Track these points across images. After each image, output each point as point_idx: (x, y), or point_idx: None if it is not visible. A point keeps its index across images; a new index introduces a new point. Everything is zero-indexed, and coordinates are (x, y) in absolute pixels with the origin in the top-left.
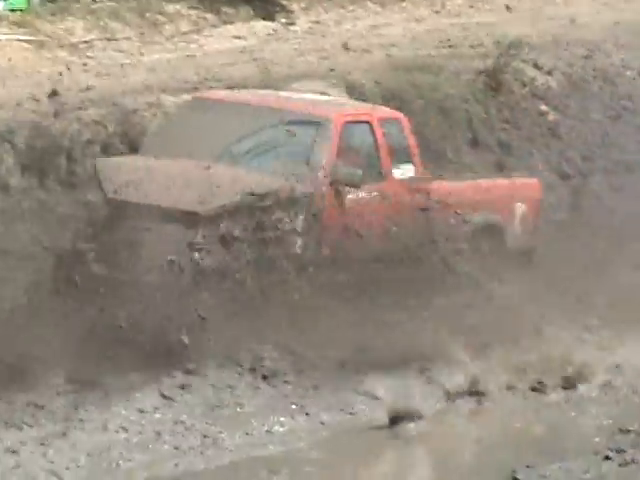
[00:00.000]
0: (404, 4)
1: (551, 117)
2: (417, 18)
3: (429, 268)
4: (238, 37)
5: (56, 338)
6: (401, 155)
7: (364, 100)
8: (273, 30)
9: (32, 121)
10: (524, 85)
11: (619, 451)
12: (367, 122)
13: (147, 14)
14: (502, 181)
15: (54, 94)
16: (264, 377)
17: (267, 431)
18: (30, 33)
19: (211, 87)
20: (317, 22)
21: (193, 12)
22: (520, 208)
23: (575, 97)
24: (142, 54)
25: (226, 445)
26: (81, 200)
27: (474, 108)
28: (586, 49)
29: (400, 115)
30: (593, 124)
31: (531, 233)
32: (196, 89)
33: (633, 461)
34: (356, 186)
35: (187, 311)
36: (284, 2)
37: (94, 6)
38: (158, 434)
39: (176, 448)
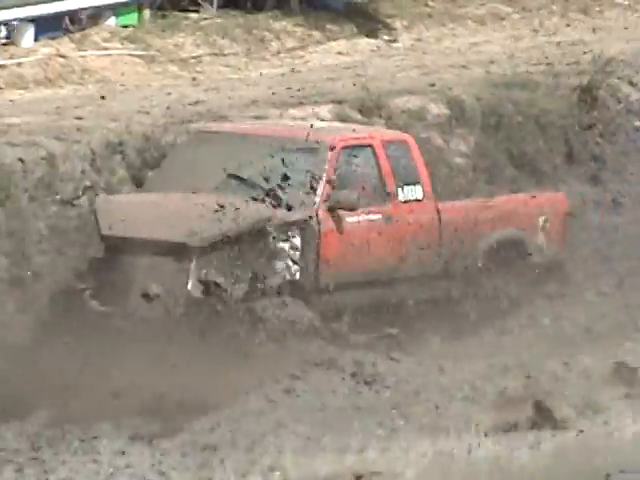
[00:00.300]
0: (503, 23)
1: None
2: (515, 36)
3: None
4: (342, 53)
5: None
6: (408, 177)
7: (463, 115)
8: (376, 47)
9: (143, 133)
10: (619, 101)
11: None
12: (369, 145)
13: (254, 31)
14: (523, 196)
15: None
16: (365, 382)
17: (369, 434)
18: (141, 48)
19: (316, 101)
20: (418, 39)
21: (299, 29)
22: (544, 222)
23: None
24: (249, 69)
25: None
26: None
27: (570, 123)
28: None
29: (406, 137)
30: None
31: (558, 247)
32: (301, 103)
33: None
34: (353, 209)
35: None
36: (387, 20)
37: (203, 22)
38: (263, 436)
39: (280, 452)
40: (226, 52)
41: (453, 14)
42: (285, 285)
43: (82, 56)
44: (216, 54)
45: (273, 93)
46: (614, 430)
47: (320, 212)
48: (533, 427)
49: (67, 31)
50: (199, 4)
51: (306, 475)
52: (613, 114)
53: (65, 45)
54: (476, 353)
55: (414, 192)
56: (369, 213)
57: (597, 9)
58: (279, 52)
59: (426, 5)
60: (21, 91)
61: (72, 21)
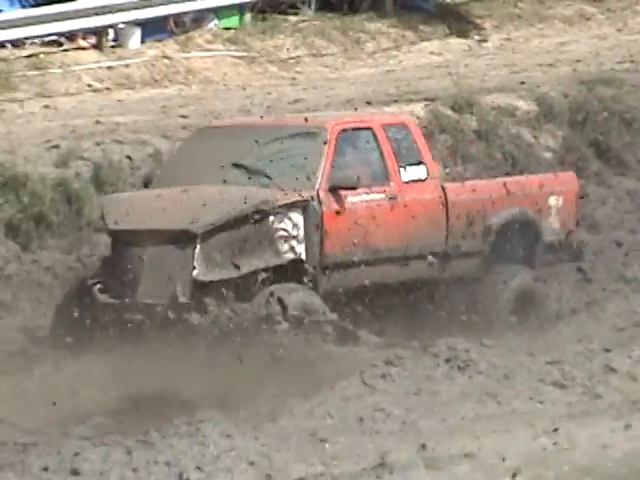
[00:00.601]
0: (589, 23)
1: None
2: (601, 36)
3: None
4: (434, 53)
5: None
6: (410, 157)
7: (551, 111)
8: (467, 46)
9: None
10: None
11: None
12: (368, 128)
13: (350, 32)
14: (533, 176)
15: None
16: (459, 368)
17: (461, 417)
18: (242, 49)
19: (410, 99)
20: (508, 39)
21: (393, 30)
22: (555, 202)
23: None
24: (345, 69)
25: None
26: None
27: None
28: None
29: (405, 119)
30: None
31: (571, 227)
32: (396, 101)
33: None
34: (354, 188)
35: None
36: (477, 21)
37: (301, 25)
38: (360, 420)
39: (377, 433)
40: (323, 53)
41: (541, 15)
42: (290, 265)
43: (186, 57)
44: (314, 55)
45: (369, 91)
46: None
47: (321, 193)
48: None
49: (172, 33)
50: (298, 7)
51: (401, 458)
52: None
53: (170, 47)
54: (565, 339)
55: (417, 172)
56: (371, 193)
57: None
58: (374, 52)
59: (515, 6)
60: (128, 91)
61: (176, 24)
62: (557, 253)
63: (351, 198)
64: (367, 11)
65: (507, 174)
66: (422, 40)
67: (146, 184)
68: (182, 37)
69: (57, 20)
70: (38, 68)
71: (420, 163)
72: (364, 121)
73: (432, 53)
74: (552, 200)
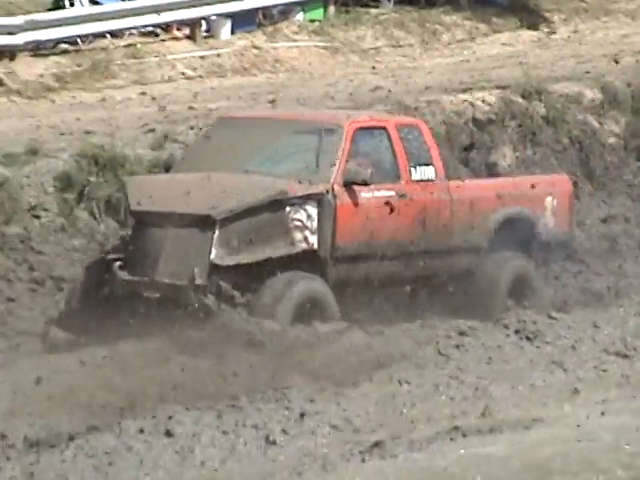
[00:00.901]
0: None
1: None
2: None
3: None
4: (506, 44)
5: None
6: (421, 158)
7: (615, 99)
8: (537, 38)
9: None
10: None
11: None
12: (383, 128)
13: (427, 24)
14: (530, 177)
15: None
16: (527, 338)
17: (530, 385)
18: (326, 40)
19: (483, 87)
20: (575, 31)
21: (467, 22)
22: (551, 202)
23: None
24: (423, 59)
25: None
26: None
27: None
28: None
29: (419, 121)
30: None
31: (566, 226)
32: (470, 89)
33: None
34: (366, 184)
35: None
36: (547, 14)
37: (382, 17)
38: (436, 387)
39: (451, 399)
40: (402, 43)
41: (606, 9)
42: (303, 254)
43: (274, 47)
44: (393, 45)
45: (445, 80)
46: None
47: (336, 187)
48: None
49: (260, 25)
50: (378, 0)
51: (473, 423)
52: None
53: (258, 38)
54: (627, 312)
55: (427, 172)
56: (383, 189)
57: None
58: (450, 43)
59: (582, 1)
60: (220, 79)
61: (265, 16)
62: (552, 251)
63: (364, 193)
64: (443, 4)
65: (507, 175)
66: (495, 32)
67: (167, 169)
68: (270, 28)
69: (153, 12)
70: (135, 57)
71: (430, 164)
72: (379, 121)
73: (504, 44)
74: (548, 200)
